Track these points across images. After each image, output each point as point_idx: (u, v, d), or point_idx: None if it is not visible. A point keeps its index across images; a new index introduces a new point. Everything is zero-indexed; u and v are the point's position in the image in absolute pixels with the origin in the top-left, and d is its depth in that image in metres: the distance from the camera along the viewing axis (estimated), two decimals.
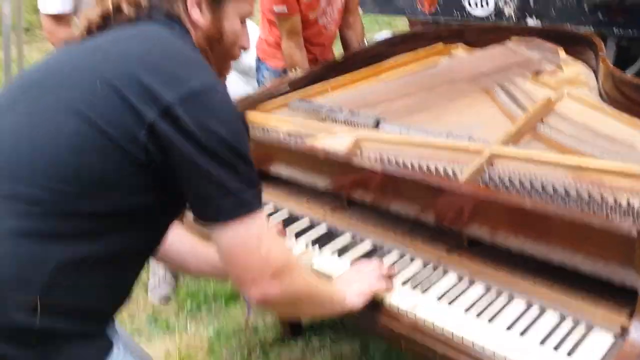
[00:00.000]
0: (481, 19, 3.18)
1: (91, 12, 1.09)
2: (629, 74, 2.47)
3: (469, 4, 3.22)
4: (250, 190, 1.02)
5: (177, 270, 1.53)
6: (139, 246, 1.07)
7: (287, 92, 2.10)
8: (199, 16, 1.11)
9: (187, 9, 1.11)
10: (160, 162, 0.98)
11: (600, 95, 1.80)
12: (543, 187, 1.29)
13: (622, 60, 2.79)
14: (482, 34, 2.44)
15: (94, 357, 1.02)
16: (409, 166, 1.48)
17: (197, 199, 1.03)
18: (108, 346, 1.05)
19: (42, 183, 0.95)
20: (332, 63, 2.34)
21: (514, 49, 2.19)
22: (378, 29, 6.35)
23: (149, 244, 1.12)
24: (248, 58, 2.68)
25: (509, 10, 3.05)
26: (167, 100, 0.95)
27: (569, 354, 1.08)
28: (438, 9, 3.37)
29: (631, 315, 1.07)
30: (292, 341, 2.23)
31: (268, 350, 2.20)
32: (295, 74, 2.20)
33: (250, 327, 2.32)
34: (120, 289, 1.09)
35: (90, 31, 1.08)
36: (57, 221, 0.95)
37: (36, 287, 0.93)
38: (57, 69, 1.06)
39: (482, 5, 3.16)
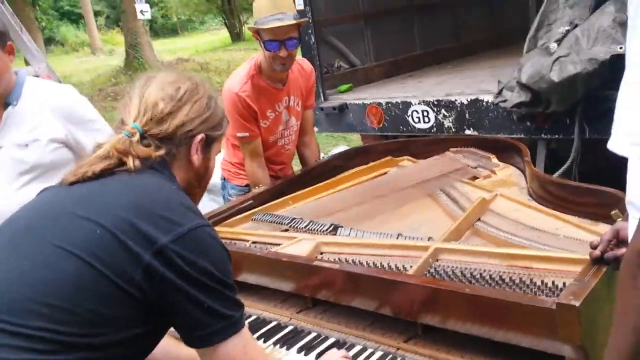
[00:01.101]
0: (424, 131, 3.50)
1: (93, 162, 1.21)
2: (555, 174, 2.77)
3: (413, 120, 3.55)
4: (237, 312, 1.18)
5: None
6: None
7: (251, 208, 2.29)
8: (196, 158, 1.31)
9: (189, 153, 1.30)
10: (153, 297, 1.10)
11: (529, 193, 2.04)
12: (481, 275, 1.48)
13: (553, 161, 3.09)
14: (425, 145, 2.73)
15: None
16: (365, 264, 1.65)
17: (191, 327, 1.15)
18: None
19: (39, 323, 1.03)
20: (292, 178, 2.57)
21: (453, 158, 2.46)
22: (335, 143, 6.77)
23: (138, 357, 1.23)
24: (214, 177, 2.92)
25: (448, 124, 3.39)
26: (160, 242, 1.09)
27: None
28: (385, 124, 3.70)
29: None
30: None
31: None
32: (258, 190, 2.41)
33: None
34: None
35: (85, 178, 1.20)
36: (58, 353, 1.03)
37: None
38: (52, 216, 1.17)
39: (424, 121, 3.50)
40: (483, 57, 4.80)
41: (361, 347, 1.58)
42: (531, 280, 1.42)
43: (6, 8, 3.76)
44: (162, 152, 1.24)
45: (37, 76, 3.07)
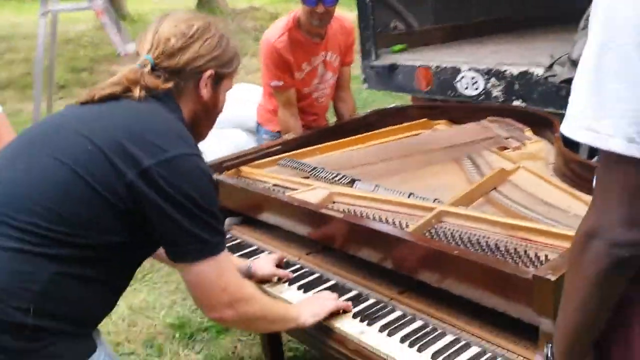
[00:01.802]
0: (472, 98, 3.45)
1: (102, 88, 1.31)
2: (596, 158, 2.70)
3: (461, 86, 3.50)
4: (214, 237, 1.26)
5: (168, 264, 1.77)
6: (119, 272, 1.29)
7: (279, 152, 2.36)
8: (205, 92, 1.38)
9: (198, 87, 1.37)
10: (135, 212, 1.20)
11: (554, 169, 2.02)
12: (477, 241, 1.50)
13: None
14: (464, 111, 2.71)
15: (78, 354, 1.23)
16: (370, 217, 1.70)
17: (167, 244, 1.26)
18: (92, 347, 1.26)
19: (30, 219, 1.15)
20: (323, 129, 2.61)
21: (487, 127, 2.44)
22: (392, 102, 6.72)
23: (128, 271, 1.34)
24: (252, 123, 3.03)
25: (496, 93, 3.32)
26: (145, 165, 1.19)
27: None
28: (433, 87, 3.66)
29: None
30: None
31: None
32: (288, 137, 2.46)
33: (237, 356, 2.50)
34: (104, 303, 1.30)
35: (93, 100, 1.31)
36: (48, 248, 1.15)
37: (31, 294, 1.13)
38: (55, 130, 1.29)
39: (472, 88, 3.44)
40: (545, 30, 4.62)
41: (357, 292, 1.65)
42: (525, 251, 1.43)
43: None
44: (170, 84, 1.32)
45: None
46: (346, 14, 3.11)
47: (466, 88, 3.50)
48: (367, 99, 6.83)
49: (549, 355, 0.98)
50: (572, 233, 1.41)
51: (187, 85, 1.36)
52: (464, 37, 4.64)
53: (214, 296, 1.28)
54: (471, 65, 3.44)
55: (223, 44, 1.38)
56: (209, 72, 1.36)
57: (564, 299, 0.91)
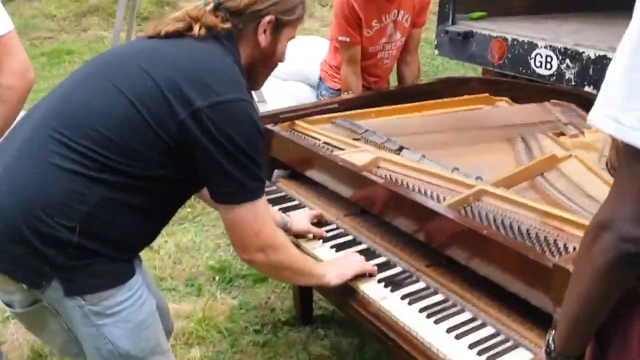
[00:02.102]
0: (543, 77, 3.35)
1: (167, 24, 1.39)
2: None
3: (534, 63, 3.40)
4: (253, 183, 1.32)
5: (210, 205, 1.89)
6: (162, 204, 1.39)
7: (335, 111, 2.39)
8: (263, 38, 1.43)
9: (256, 32, 1.42)
10: (183, 149, 1.28)
11: (606, 162, 1.97)
12: (510, 224, 1.51)
13: None
14: (528, 91, 2.65)
15: (117, 277, 1.34)
16: (409, 187, 1.73)
17: (209, 184, 1.34)
18: (131, 273, 1.37)
19: (85, 143, 1.25)
20: (383, 92, 2.62)
21: (548, 109, 2.39)
22: (464, 72, 6.58)
23: (172, 205, 1.44)
24: (313, 78, 3.07)
25: (569, 75, 3.22)
26: (197, 105, 1.25)
27: None
28: (506, 62, 3.57)
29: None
30: (301, 326, 2.52)
31: (278, 328, 2.49)
32: (347, 96, 2.49)
33: (269, 306, 2.63)
34: (145, 232, 1.41)
35: (159, 35, 1.39)
36: (100, 172, 1.25)
37: (79, 214, 1.24)
38: (122, 61, 1.37)
39: (545, 67, 3.34)
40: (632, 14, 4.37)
41: (386, 259, 1.70)
42: (555, 241, 1.43)
43: None
44: (228, 24, 1.37)
45: None
46: None
47: (539, 66, 3.39)
48: (439, 67, 6.70)
49: (550, 340, 1.01)
50: None
51: (246, 29, 1.40)
52: (547, 12, 4.45)
53: (247, 238, 1.36)
54: (548, 43, 3.33)
55: None
56: (268, 18, 1.40)
57: (570, 285, 0.93)
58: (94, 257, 1.28)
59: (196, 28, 1.36)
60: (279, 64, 1.52)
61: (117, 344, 1.33)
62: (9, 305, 1.38)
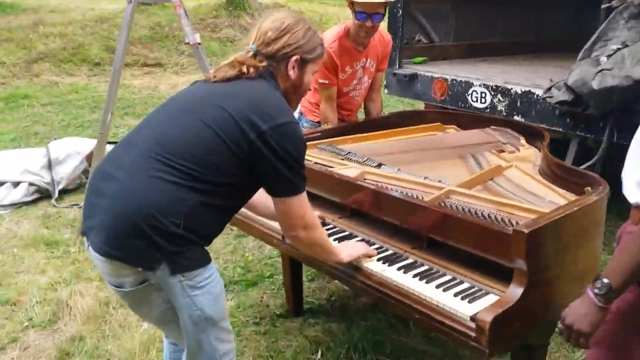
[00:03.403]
0: (479, 110, 3.99)
1: (228, 70, 1.82)
2: (581, 167, 3.23)
3: (471, 99, 4.04)
4: (301, 181, 1.79)
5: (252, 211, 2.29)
6: (236, 202, 1.83)
7: (319, 138, 2.89)
8: (292, 73, 1.88)
9: (287, 69, 1.86)
10: (251, 162, 1.72)
11: (539, 170, 2.55)
12: (475, 212, 2.03)
13: (582, 157, 3.54)
14: (471, 120, 3.24)
15: (204, 259, 1.76)
16: (394, 191, 2.23)
17: (271, 184, 1.78)
18: (210, 257, 1.79)
19: (184, 163, 1.67)
20: (355, 124, 3.16)
21: (490, 133, 2.97)
22: (403, 108, 7.28)
23: (241, 201, 1.88)
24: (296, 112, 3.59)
25: (501, 107, 3.86)
26: (262, 129, 1.69)
27: (470, 302, 1.79)
28: (447, 98, 4.20)
29: None
30: (294, 317, 2.97)
31: (275, 320, 2.91)
32: (326, 126, 3.00)
33: (264, 304, 3.04)
34: (220, 224, 1.83)
35: (223, 80, 1.81)
36: (194, 182, 1.67)
37: (182, 213, 1.65)
38: (199, 101, 1.79)
39: (481, 101, 3.98)
40: (554, 57, 5.16)
41: (379, 245, 2.18)
42: (509, 220, 1.96)
43: None
44: (264, 64, 1.81)
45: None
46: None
47: (475, 101, 4.05)
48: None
49: (599, 285, 1.51)
50: (543, 210, 1.96)
51: (280, 68, 1.85)
52: (479, 56, 5.20)
53: (296, 219, 1.81)
54: (482, 81, 3.99)
55: (308, 36, 1.86)
56: (295, 57, 1.85)
57: (633, 241, 1.48)
58: (190, 245, 1.69)
59: (245, 68, 1.79)
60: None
61: (205, 310, 1.75)
62: (118, 287, 1.77)
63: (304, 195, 1.81)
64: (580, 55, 3.44)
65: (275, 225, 2.32)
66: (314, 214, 1.91)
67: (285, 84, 1.89)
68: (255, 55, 1.85)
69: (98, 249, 1.67)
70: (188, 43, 3.55)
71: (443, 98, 4.23)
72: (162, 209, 1.63)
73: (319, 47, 1.93)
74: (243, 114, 1.70)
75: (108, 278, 1.79)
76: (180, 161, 1.67)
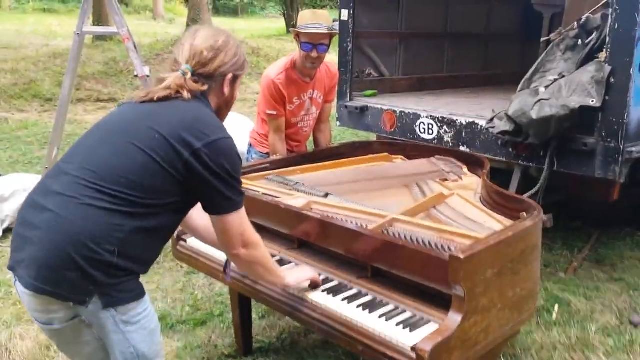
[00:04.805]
0: (427, 141, 4.07)
1: (158, 91, 1.78)
2: (524, 195, 3.32)
3: (419, 130, 4.13)
4: (238, 197, 1.78)
5: (192, 235, 2.22)
6: (172, 222, 1.80)
7: (267, 169, 2.91)
8: (227, 90, 1.88)
9: (222, 86, 1.86)
10: (189, 180, 1.71)
11: (480, 197, 2.62)
12: (417, 239, 2.07)
13: (526, 185, 3.64)
14: (417, 150, 3.31)
15: (139, 292, 1.72)
16: (339, 220, 2.25)
17: (208, 202, 1.77)
18: (144, 290, 1.76)
19: (117, 188, 1.65)
20: (304, 154, 3.19)
21: (434, 163, 3.04)
22: (357, 138, 7.38)
23: (177, 221, 1.85)
24: (242, 147, 3.60)
25: (447, 138, 3.96)
26: (196, 146, 1.69)
27: (411, 331, 1.81)
28: (396, 130, 4.28)
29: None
30: (244, 356, 2.90)
31: None
32: (275, 158, 3.03)
33: (212, 344, 2.99)
34: (158, 248, 1.80)
35: (151, 99, 1.78)
36: (129, 207, 1.65)
37: (117, 240, 1.62)
38: (129, 123, 1.76)
39: (428, 132, 4.08)
40: (499, 89, 5.34)
41: (325, 276, 2.19)
42: (448, 246, 2.00)
43: None
44: (205, 87, 1.81)
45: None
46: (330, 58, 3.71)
47: (423, 132, 4.14)
48: (336, 136, 7.43)
49: None
50: (480, 236, 2.01)
51: (215, 86, 1.85)
52: (426, 89, 5.34)
53: (235, 237, 1.80)
54: (429, 113, 4.09)
55: (239, 53, 1.88)
56: (229, 75, 1.86)
57: None
58: (126, 275, 1.66)
59: (184, 93, 1.77)
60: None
61: (138, 347, 1.71)
62: (47, 324, 1.70)
63: (243, 211, 1.81)
64: (520, 86, 3.57)
65: (221, 258, 2.31)
66: (255, 233, 1.90)
67: (219, 101, 1.89)
68: (192, 75, 1.81)
69: (26, 284, 1.62)
70: (137, 76, 3.55)
71: (393, 130, 4.32)
72: (96, 237, 1.60)
73: (246, 62, 1.95)
74: (176, 134, 1.69)
75: (36, 315, 1.71)
76: (113, 186, 1.64)
